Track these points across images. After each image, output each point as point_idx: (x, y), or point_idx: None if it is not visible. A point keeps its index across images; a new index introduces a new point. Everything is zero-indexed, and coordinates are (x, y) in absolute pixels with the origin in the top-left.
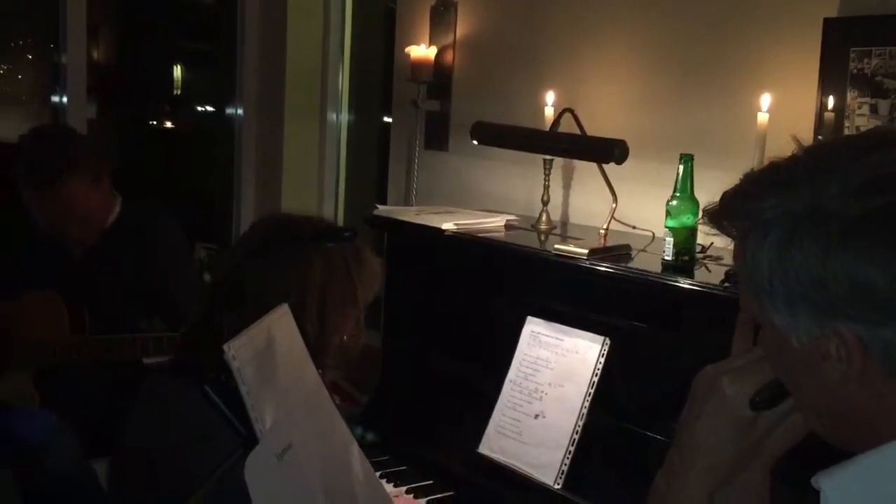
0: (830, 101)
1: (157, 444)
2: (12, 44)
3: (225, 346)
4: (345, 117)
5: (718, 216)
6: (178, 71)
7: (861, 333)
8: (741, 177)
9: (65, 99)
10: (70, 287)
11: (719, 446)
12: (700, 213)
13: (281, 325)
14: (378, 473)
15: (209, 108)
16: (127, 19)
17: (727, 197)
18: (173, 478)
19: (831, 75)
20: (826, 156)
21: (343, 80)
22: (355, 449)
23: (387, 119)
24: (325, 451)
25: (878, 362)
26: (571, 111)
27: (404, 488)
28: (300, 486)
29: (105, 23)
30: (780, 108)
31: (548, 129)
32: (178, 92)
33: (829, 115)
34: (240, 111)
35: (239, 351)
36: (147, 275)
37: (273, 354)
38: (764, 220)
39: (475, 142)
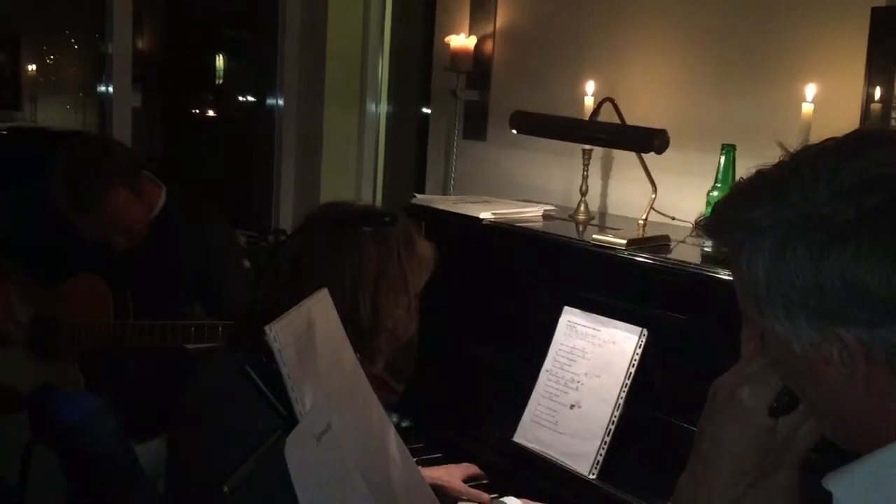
0: (877, 92)
1: (205, 424)
2: (60, 34)
3: (266, 328)
4: (384, 107)
5: (712, 229)
6: (220, 60)
7: (862, 336)
8: (731, 187)
9: (110, 88)
10: (115, 273)
11: (742, 455)
12: (693, 226)
13: (320, 308)
14: (413, 460)
15: (250, 97)
16: (171, 9)
17: (719, 208)
18: (218, 458)
19: (878, 65)
20: (813, 160)
21: (383, 70)
22: (392, 432)
23: (425, 109)
24: (362, 433)
25: (882, 364)
26: (611, 100)
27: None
28: (338, 467)
29: (149, 12)
30: (825, 99)
31: (587, 119)
32: (221, 81)
33: (875, 106)
34: (280, 100)
35: (280, 333)
36: (192, 263)
37: (313, 337)
38: (757, 229)
39: (514, 131)
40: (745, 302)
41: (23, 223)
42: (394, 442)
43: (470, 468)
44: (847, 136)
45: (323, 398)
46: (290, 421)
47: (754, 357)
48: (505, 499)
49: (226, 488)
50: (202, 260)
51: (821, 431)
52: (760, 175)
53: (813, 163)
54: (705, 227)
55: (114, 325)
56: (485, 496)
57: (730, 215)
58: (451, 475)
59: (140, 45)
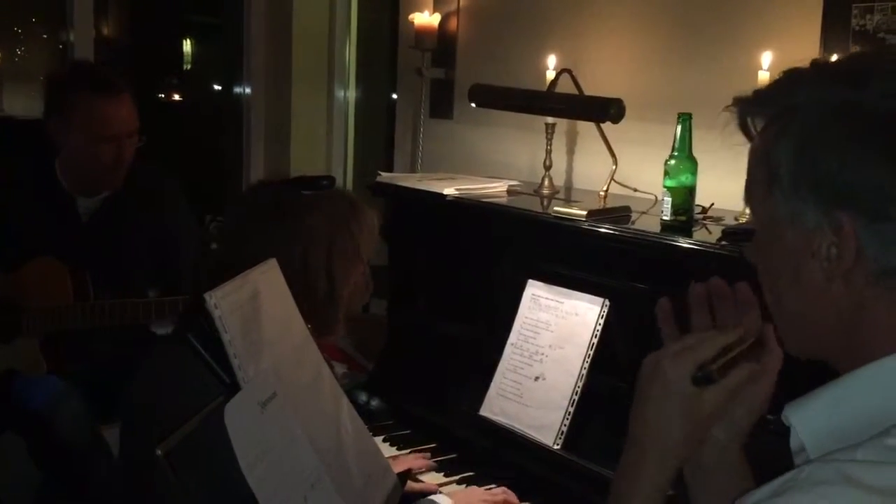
0: (833, 59)
1: (150, 399)
2: (25, 22)
3: (206, 295)
4: (352, 89)
5: (747, 101)
6: (187, 45)
7: (860, 228)
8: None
9: None
10: (75, 253)
11: (668, 428)
12: (732, 102)
13: (267, 278)
14: (382, 437)
15: (218, 82)
16: None
17: (762, 87)
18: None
19: (833, 32)
20: (872, 60)
21: (350, 52)
22: (345, 402)
23: (394, 96)
24: (311, 402)
25: (870, 260)
26: (569, 72)
27: (408, 451)
28: (284, 436)
29: None
30: (781, 66)
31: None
32: (189, 66)
33: None
34: (248, 85)
35: (221, 300)
36: (153, 239)
37: (258, 306)
38: (795, 105)
39: (473, 104)
40: (754, 185)
41: None
42: (346, 411)
43: (416, 460)
44: None
45: (269, 366)
46: (233, 388)
47: (686, 335)
48: (434, 497)
49: (158, 451)
50: (161, 237)
51: (787, 348)
52: (813, 62)
53: (868, 61)
54: (741, 99)
55: (73, 307)
56: (432, 486)
57: (769, 91)
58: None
59: (105, 30)
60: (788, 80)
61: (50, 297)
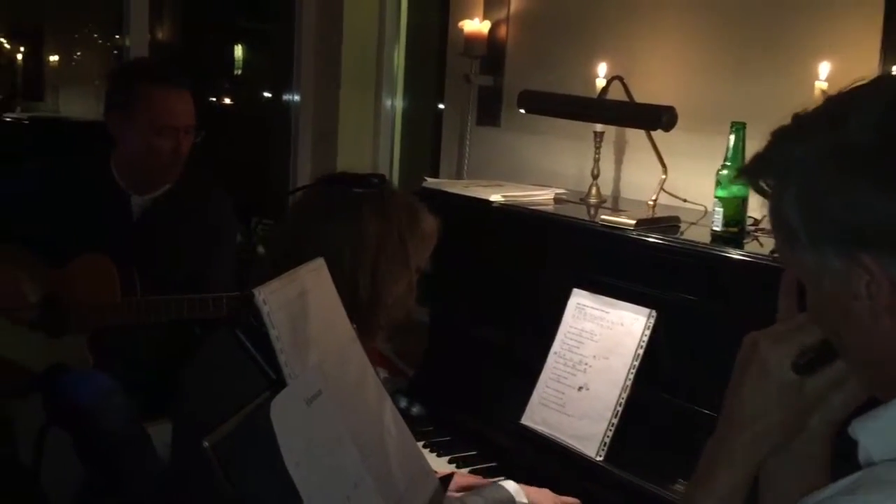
0: (894, 71)
1: (200, 390)
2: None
3: (255, 291)
4: (400, 102)
5: (749, 170)
6: (238, 51)
7: (886, 263)
8: (773, 123)
9: None
10: (125, 250)
11: (764, 413)
12: (736, 173)
13: (315, 277)
14: (422, 443)
15: (267, 87)
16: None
17: (758, 153)
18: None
19: (894, 44)
20: (842, 100)
21: (399, 61)
22: (388, 404)
23: (441, 105)
24: (356, 402)
25: None
26: (620, 79)
27: (447, 458)
28: (328, 432)
29: (168, 3)
30: (839, 77)
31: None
32: (239, 72)
33: None
34: (297, 91)
35: (269, 296)
36: (198, 238)
37: (305, 304)
38: (790, 163)
39: (522, 110)
40: (779, 243)
41: (31, 205)
42: (389, 412)
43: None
44: (875, 79)
45: (315, 364)
46: (279, 384)
47: (788, 318)
48: (503, 482)
49: (205, 443)
50: (196, 250)
51: (860, 387)
52: (796, 117)
53: (842, 102)
54: (743, 169)
55: (120, 304)
56: (484, 480)
57: (765, 154)
58: (460, 478)
59: (160, 35)
60: (780, 139)
61: (97, 293)
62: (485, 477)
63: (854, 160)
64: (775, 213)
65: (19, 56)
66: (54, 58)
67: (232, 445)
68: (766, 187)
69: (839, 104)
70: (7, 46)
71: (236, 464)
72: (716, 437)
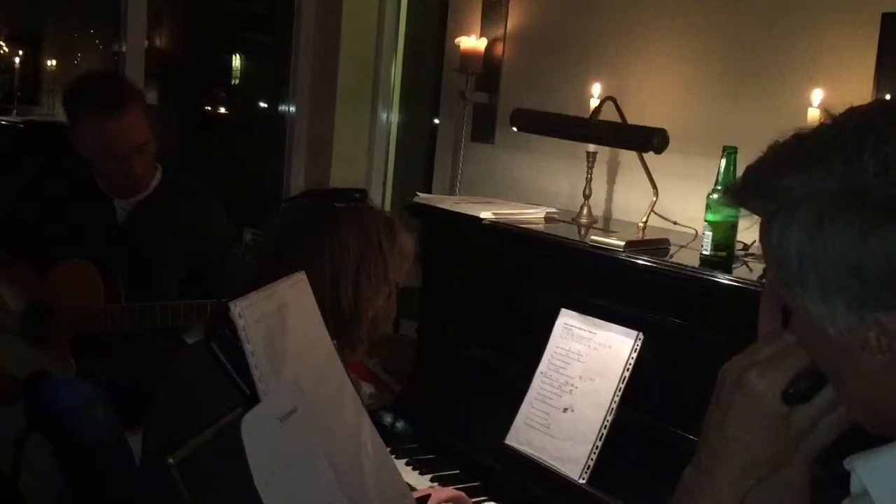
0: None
1: (172, 403)
2: (82, 32)
3: (231, 304)
4: (395, 116)
5: (741, 195)
6: (236, 60)
7: None
8: (765, 149)
9: None
10: (109, 254)
11: (752, 446)
12: (723, 192)
13: (295, 290)
14: (405, 461)
15: (264, 98)
16: (189, 8)
17: (751, 173)
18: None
19: (888, 72)
20: (858, 125)
21: (395, 76)
22: (366, 421)
23: (436, 120)
24: (332, 420)
25: None
26: (613, 100)
27: (430, 476)
28: (302, 450)
29: (168, 11)
30: (832, 105)
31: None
32: (237, 81)
33: None
34: (293, 103)
35: (245, 310)
36: (186, 244)
37: (284, 318)
38: (791, 199)
39: (514, 128)
40: (773, 277)
41: (16, 209)
42: (367, 430)
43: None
44: (886, 104)
45: (291, 380)
46: (253, 400)
47: (771, 338)
48: None
49: (170, 460)
50: (195, 245)
51: (851, 418)
52: (797, 138)
53: (858, 128)
54: (733, 193)
55: (103, 308)
56: (462, 494)
57: (761, 182)
58: (436, 492)
59: (158, 42)
60: (774, 158)
61: (80, 297)
62: (469, 497)
63: (874, 206)
64: (772, 246)
65: (17, 60)
66: (52, 62)
67: (202, 461)
68: (756, 210)
69: (852, 133)
70: (6, 50)
71: (206, 481)
72: (697, 469)
